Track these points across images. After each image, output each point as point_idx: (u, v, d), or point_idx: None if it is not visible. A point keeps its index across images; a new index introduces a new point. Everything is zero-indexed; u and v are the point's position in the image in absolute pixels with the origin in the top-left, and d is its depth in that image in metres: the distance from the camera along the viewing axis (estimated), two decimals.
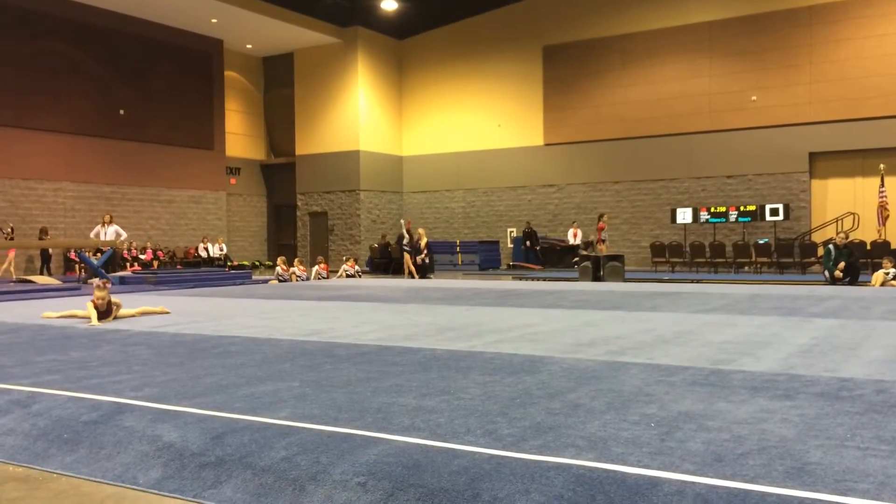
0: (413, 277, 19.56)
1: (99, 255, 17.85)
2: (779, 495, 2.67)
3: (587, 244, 20.65)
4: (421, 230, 20.54)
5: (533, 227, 24.60)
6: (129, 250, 22.12)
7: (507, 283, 16.93)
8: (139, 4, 22.41)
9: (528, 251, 24.28)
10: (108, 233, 18.33)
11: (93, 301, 8.78)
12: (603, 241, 19.27)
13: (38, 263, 20.43)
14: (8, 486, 3.51)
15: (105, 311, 8.81)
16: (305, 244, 28.25)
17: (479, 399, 4.28)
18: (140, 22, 23.50)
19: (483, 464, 3.09)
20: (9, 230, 19.33)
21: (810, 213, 21.51)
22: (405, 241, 20.42)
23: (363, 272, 22.00)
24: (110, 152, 22.87)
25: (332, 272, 20.96)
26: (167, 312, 9.64)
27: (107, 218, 18.78)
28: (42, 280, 17.29)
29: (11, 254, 19.36)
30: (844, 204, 20.90)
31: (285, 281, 18.25)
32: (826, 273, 15.46)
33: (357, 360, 5.76)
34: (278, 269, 18.87)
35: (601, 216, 19.79)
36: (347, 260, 20.86)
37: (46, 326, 8.46)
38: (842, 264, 15.05)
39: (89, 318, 8.71)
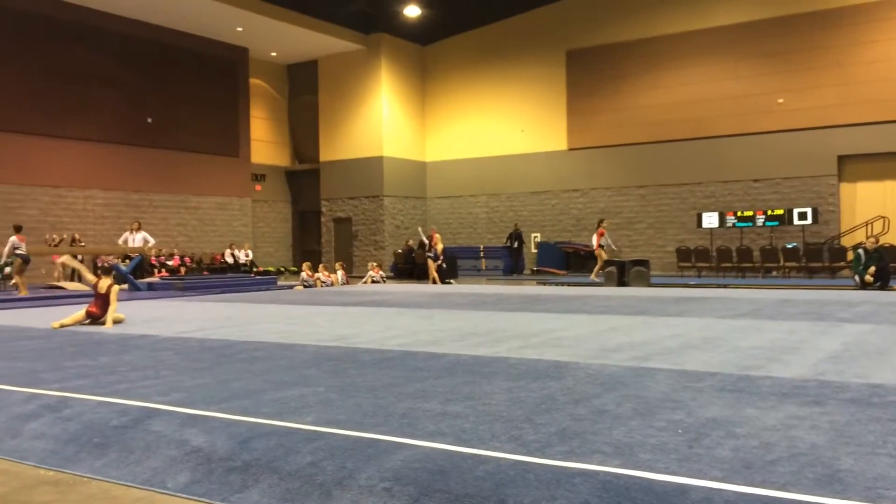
0: (435, 283, 19.63)
1: (127, 261, 18.08)
2: (809, 503, 2.63)
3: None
4: (437, 235, 20.60)
5: (520, 230, 24.65)
6: (158, 257, 22.36)
7: (531, 289, 16.88)
8: (166, 14, 22.72)
9: (514, 253, 24.36)
10: (136, 239, 18.55)
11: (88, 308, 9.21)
12: (602, 246, 19.16)
13: (69, 270, 20.69)
14: (39, 489, 3.56)
15: (101, 307, 9.17)
16: (330, 250, 28.38)
17: (503, 405, 4.27)
18: (167, 31, 23.82)
19: (508, 469, 3.08)
20: (56, 238, 19.84)
21: (839, 217, 21.22)
22: (427, 248, 20.59)
23: (388, 278, 22.07)
24: (138, 160, 23.17)
25: (355, 278, 21.02)
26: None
27: (135, 225, 19.01)
28: (72, 286, 17.55)
29: (58, 260, 19.77)
30: (874, 207, 20.59)
31: (310, 286, 18.35)
32: (856, 278, 15.24)
33: (382, 365, 5.78)
34: (303, 274, 18.98)
35: (600, 222, 19.70)
36: (374, 266, 20.95)
37: (76, 332, 8.58)
38: (872, 269, 14.83)
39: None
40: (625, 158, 24.24)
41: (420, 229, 23.50)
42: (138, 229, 18.89)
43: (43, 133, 20.77)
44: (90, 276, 9.87)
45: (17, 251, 15.08)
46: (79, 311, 9.39)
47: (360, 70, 27.17)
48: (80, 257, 20.41)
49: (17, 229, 15.41)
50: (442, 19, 26.26)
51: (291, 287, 18.46)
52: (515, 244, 24.56)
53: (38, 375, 5.57)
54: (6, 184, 20.07)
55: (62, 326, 9.08)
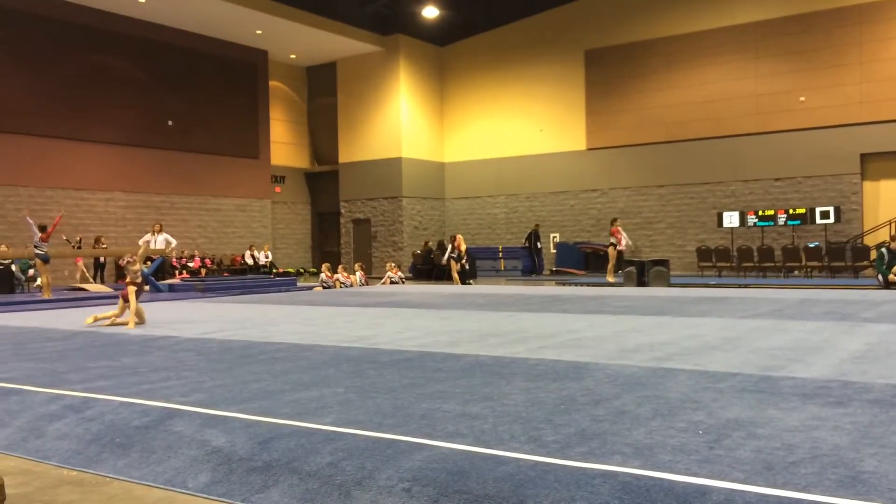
0: (457, 283, 19.79)
1: (149, 263, 18.24)
2: None
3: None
4: (460, 237, 20.82)
5: (538, 230, 24.61)
6: (179, 258, 22.54)
7: (551, 289, 16.84)
8: (187, 18, 22.91)
9: (534, 253, 24.37)
10: (158, 241, 18.74)
11: (123, 293, 9.48)
12: (614, 245, 18.99)
13: (91, 272, 20.95)
14: (62, 489, 3.60)
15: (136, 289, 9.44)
16: (349, 251, 28.47)
17: (523, 405, 4.27)
18: (187, 34, 24.01)
19: (528, 470, 3.08)
20: (77, 240, 20.08)
21: (862, 216, 20.97)
22: (451, 249, 20.80)
23: (406, 278, 22.13)
24: (159, 162, 23.38)
25: (374, 279, 21.10)
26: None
27: (157, 227, 19.19)
28: (95, 288, 17.73)
29: (80, 262, 20.13)
30: None
31: (329, 287, 18.43)
32: (879, 277, 15.07)
33: (401, 366, 5.79)
34: (323, 275, 19.07)
35: (614, 221, 19.53)
36: (392, 267, 21.06)
37: (99, 333, 8.67)
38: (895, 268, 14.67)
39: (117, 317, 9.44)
40: (644, 158, 24.11)
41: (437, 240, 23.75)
42: (160, 231, 19.07)
43: (65, 136, 21.01)
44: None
45: (37, 250, 15.23)
46: (115, 308, 9.61)
47: (379, 71, 27.23)
48: (102, 258, 20.72)
49: (42, 229, 15.62)
50: (459, 20, 26.26)
51: (311, 288, 18.54)
52: (538, 244, 24.53)
53: (61, 376, 5.64)
54: (29, 186, 20.33)
55: (96, 320, 9.30)
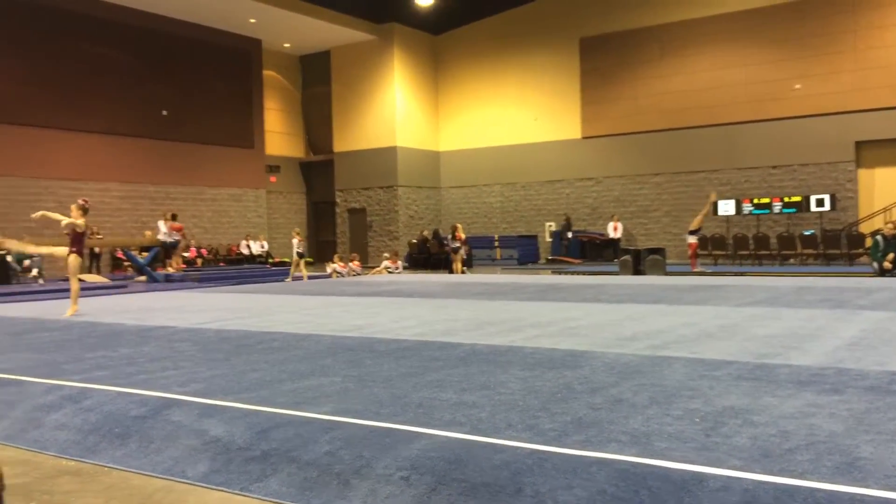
0: (459, 272, 19.87)
1: (146, 253, 18.29)
2: (828, 491, 2.62)
3: None
4: (458, 225, 20.86)
5: (570, 220, 24.63)
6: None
7: (547, 278, 16.86)
8: (180, 6, 22.77)
9: (565, 243, 24.41)
10: (164, 230, 18.84)
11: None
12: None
13: (87, 262, 20.89)
14: (61, 479, 3.61)
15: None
16: (345, 241, 28.44)
17: (519, 394, 4.28)
18: (181, 23, 23.87)
19: (525, 458, 3.09)
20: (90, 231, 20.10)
21: (857, 204, 21.01)
22: (451, 239, 20.81)
23: (403, 268, 22.17)
24: (154, 152, 23.28)
25: (370, 268, 21.13)
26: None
27: (168, 215, 19.22)
28: (91, 278, 17.70)
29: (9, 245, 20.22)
30: (893, 193, 20.37)
31: (302, 256, 18.85)
32: (874, 264, 15.11)
33: (398, 355, 5.79)
34: (295, 241, 19.19)
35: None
36: (387, 258, 21.10)
37: (97, 323, 8.66)
38: (891, 255, 14.69)
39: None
40: (640, 146, 24.09)
41: (431, 229, 23.72)
42: (172, 219, 19.13)
43: (59, 126, 20.89)
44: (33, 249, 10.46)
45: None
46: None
47: (373, 60, 27.12)
48: (97, 249, 20.66)
49: (173, 217, 16.62)
50: (454, 8, 26.14)
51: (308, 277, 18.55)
52: (568, 234, 24.49)
53: (59, 367, 5.64)
54: (24, 177, 20.21)
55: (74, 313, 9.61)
